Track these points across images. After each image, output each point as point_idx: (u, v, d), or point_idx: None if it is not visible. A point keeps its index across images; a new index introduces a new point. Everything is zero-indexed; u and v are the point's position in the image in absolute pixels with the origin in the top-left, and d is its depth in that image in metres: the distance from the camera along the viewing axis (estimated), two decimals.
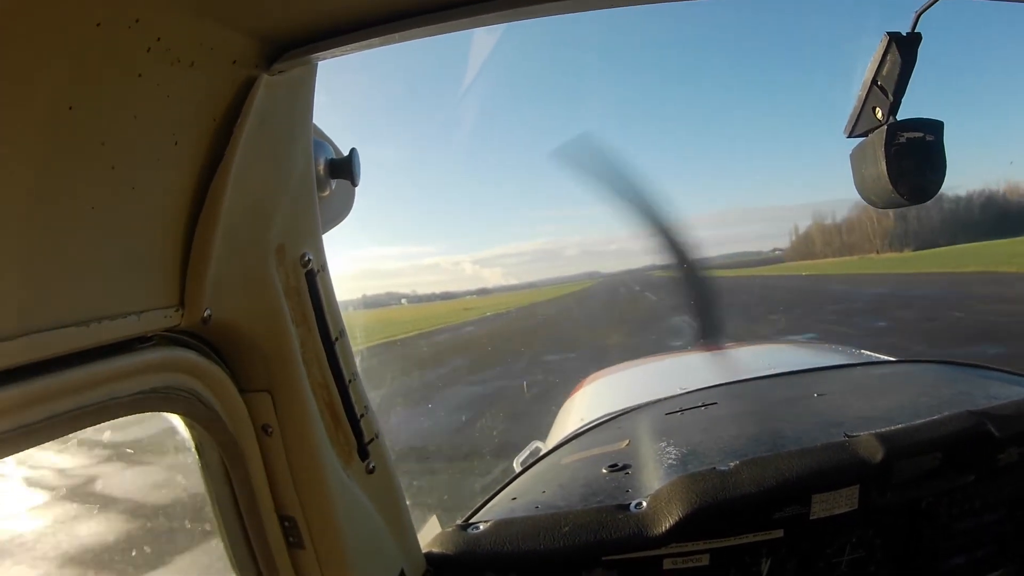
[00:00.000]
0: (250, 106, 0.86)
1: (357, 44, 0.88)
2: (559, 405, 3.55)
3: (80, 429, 0.77)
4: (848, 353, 3.43)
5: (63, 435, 0.74)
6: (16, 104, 0.60)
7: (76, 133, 0.66)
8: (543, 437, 3.00)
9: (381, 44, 0.89)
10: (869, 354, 3.19)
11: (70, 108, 0.64)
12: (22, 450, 0.69)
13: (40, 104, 0.62)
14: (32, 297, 0.67)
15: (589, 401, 3.13)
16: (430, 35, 0.89)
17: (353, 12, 0.85)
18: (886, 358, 2.88)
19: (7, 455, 0.68)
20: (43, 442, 0.72)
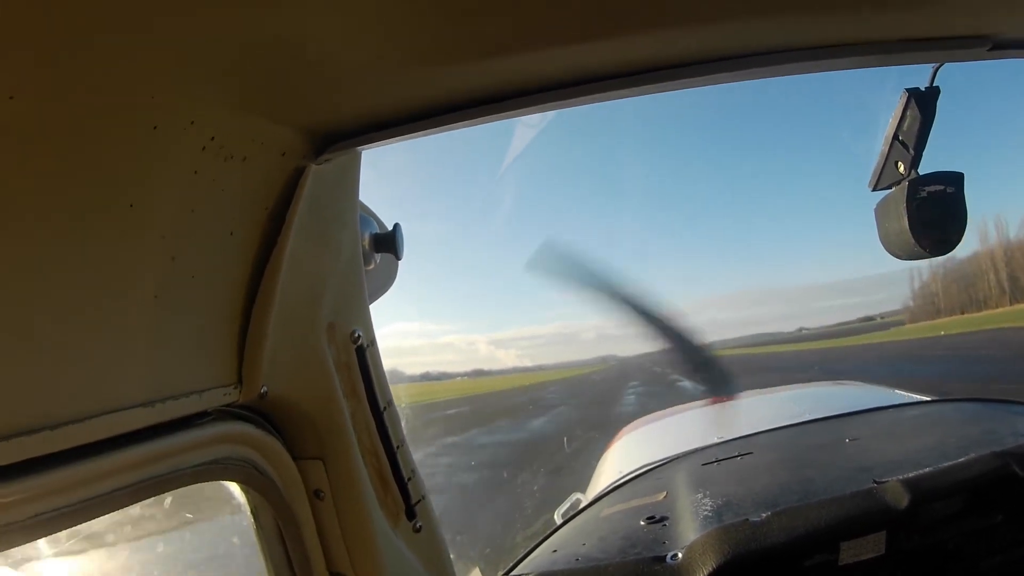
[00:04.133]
0: (300, 194, 0.92)
1: (400, 136, 0.95)
2: None
3: (144, 499, 0.81)
4: (882, 394, 3.43)
5: (129, 505, 0.79)
6: (81, 205, 0.65)
7: (138, 229, 0.72)
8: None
9: (423, 135, 0.96)
10: (903, 394, 3.18)
11: (131, 206, 0.70)
12: (93, 519, 0.74)
13: (103, 204, 0.67)
14: (104, 381, 0.72)
15: (627, 452, 3.16)
16: (468, 127, 0.95)
17: (396, 108, 0.92)
18: (919, 398, 2.88)
19: (79, 523, 0.73)
20: (112, 511, 0.76)
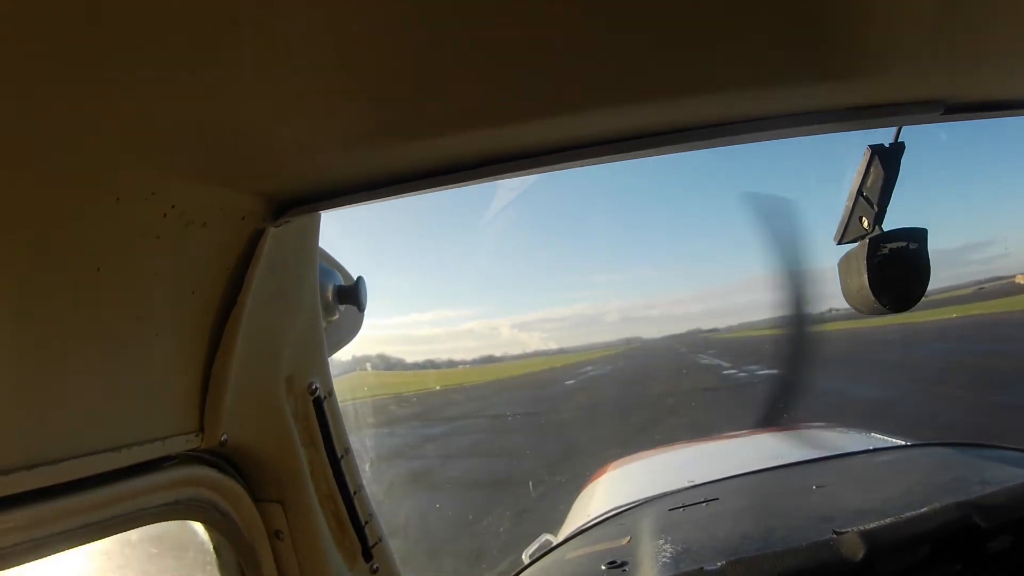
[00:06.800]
0: (259, 255, 0.96)
1: (359, 202, 0.99)
2: None
3: (111, 535, 0.87)
4: (858, 438, 3.40)
5: (97, 540, 0.85)
6: (50, 268, 0.70)
7: (104, 291, 0.77)
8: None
9: (382, 200, 1.00)
10: (880, 438, 3.16)
11: (98, 270, 0.75)
12: (62, 551, 0.80)
13: (72, 267, 0.73)
14: (73, 428, 0.77)
15: (602, 493, 3.14)
16: (429, 193, 0.99)
17: (355, 175, 0.96)
18: (894, 442, 2.86)
19: (48, 555, 0.79)
20: (79, 546, 0.82)
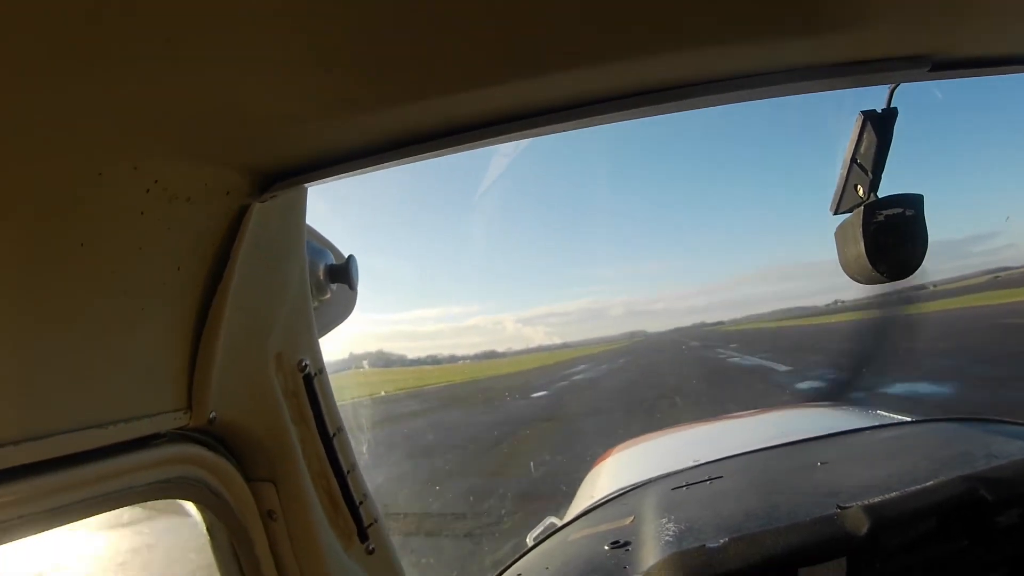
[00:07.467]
0: (244, 231, 0.96)
1: (346, 173, 0.98)
2: None
3: (99, 513, 0.86)
4: (863, 415, 3.36)
5: (84, 518, 0.84)
6: (34, 244, 0.70)
7: (88, 267, 0.77)
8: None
9: (370, 171, 0.99)
10: (883, 415, 3.13)
11: (81, 245, 0.75)
12: (50, 529, 0.80)
13: (56, 243, 0.72)
14: (60, 404, 0.77)
15: (607, 475, 3.13)
16: (416, 160, 0.98)
17: (340, 146, 0.95)
18: (899, 418, 2.83)
19: (35, 533, 0.78)
20: (68, 523, 0.82)
